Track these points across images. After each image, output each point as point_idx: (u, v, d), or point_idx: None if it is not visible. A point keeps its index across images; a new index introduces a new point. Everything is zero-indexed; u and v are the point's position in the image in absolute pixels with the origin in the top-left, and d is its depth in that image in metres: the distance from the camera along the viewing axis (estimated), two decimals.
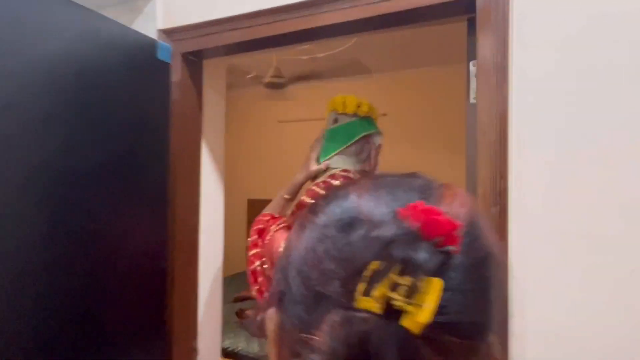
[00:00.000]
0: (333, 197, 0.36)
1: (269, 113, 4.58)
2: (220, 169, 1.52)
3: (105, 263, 1.11)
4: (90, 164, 1.05)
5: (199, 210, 1.37)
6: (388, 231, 0.30)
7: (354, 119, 1.28)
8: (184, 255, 1.29)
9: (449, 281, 0.29)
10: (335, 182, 1.19)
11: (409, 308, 0.27)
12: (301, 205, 1.21)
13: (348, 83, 4.20)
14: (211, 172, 1.47)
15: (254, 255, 1.17)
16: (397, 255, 0.29)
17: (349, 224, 0.32)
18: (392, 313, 0.27)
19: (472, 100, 1.03)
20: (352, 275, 0.29)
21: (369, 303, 0.28)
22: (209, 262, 1.41)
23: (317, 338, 0.29)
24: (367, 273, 0.28)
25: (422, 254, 0.29)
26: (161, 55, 1.23)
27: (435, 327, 0.27)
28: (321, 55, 3.57)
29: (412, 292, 0.27)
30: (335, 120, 1.29)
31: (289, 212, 1.29)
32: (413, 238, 0.29)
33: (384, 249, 0.29)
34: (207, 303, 1.41)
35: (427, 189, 0.36)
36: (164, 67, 1.24)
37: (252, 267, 1.16)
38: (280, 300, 0.34)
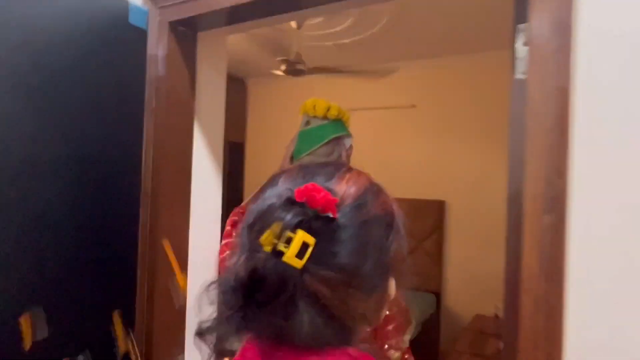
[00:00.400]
0: (270, 179, 0.53)
1: (294, 104, 4.38)
2: (217, 161, 1.32)
3: (66, 264, 0.95)
4: (43, 154, 0.88)
5: (189, 211, 1.18)
6: (280, 203, 0.47)
7: (325, 121, 1.35)
8: (168, 261, 1.11)
9: (330, 234, 0.47)
10: None
11: (284, 249, 0.44)
12: None
13: (376, 74, 3.95)
14: (206, 167, 1.27)
15: (225, 244, 1.25)
16: (280, 217, 0.46)
17: (268, 196, 0.50)
18: (277, 253, 0.44)
19: (519, 76, 0.79)
20: (258, 230, 0.47)
21: (264, 247, 0.45)
22: (200, 267, 1.23)
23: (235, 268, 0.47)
24: (265, 229, 0.45)
25: (293, 217, 0.45)
26: (134, 20, 1.03)
27: (312, 262, 0.45)
28: (347, 40, 3.34)
29: (287, 240, 0.44)
30: (307, 123, 1.37)
31: None
32: (291, 207, 0.46)
33: (276, 213, 0.47)
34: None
35: (332, 174, 0.51)
36: (139, 35, 1.05)
37: (222, 255, 1.23)
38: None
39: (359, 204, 0.49)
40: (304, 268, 0.44)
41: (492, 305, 3.35)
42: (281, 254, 0.44)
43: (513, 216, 0.78)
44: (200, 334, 0.50)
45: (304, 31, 2.99)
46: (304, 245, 0.44)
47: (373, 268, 0.49)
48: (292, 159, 1.37)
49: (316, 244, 0.45)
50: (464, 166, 3.61)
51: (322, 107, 1.33)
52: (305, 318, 0.46)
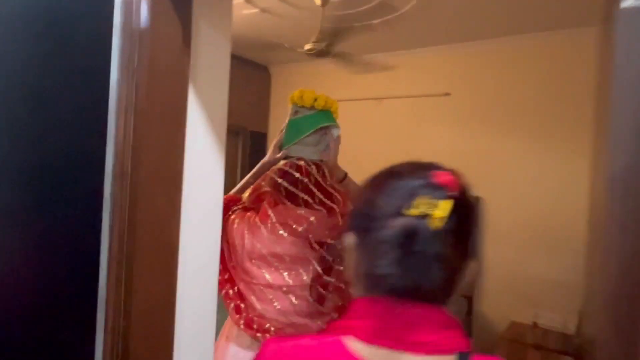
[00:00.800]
0: (388, 172, 0.66)
1: (317, 91, 4.15)
2: (220, 143, 1.09)
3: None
4: None
5: (179, 209, 0.95)
6: (424, 183, 0.58)
7: (312, 111, 1.38)
8: (150, 271, 0.91)
9: (462, 210, 0.57)
10: (286, 169, 1.31)
11: (433, 213, 0.54)
12: (256, 189, 1.36)
13: (404, 57, 3.68)
14: (203, 150, 1.05)
15: (236, 216, 1.31)
16: (426, 193, 0.56)
17: (405, 181, 0.60)
18: (424, 217, 0.54)
19: (629, 2, 0.54)
20: (402, 200, 0.57)
21: (413, 211, 0.55)
22: (190, 269, 1.02)
23: (387, 229, 0.56)
24: (410, 201, 0.56)
25: (437, 193, 0.56)
26: None
27: (449, 228, 0.55)
28: (375, 21, 3.09)
29: (433, 208, 0.54)
30: (296, 113, 1.39)
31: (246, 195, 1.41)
32: (434, 187, 0.57)
33: (421, 190, 0.57)
34: (192, 336, 1.02)
35: (441, 166, 0.63)
36: None
37: (233, 225, 1.28)
38: (356, 225, 0.63)
39: (466, 189, 0.61)
40: (443, 231, 0.54)
41: (531, 312, 3.06)
42: (427, 217, 0.54)
43: (622, 212, 0.54)
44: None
45: (328, 10, 2.76)
46: (446, 214, 0.55)
47: (479, 245, 0.61)
48: (280, 148, 1.40)
49: (453, 215, 0.55)
50: (502, 161, 3.30)
51: (309, 97, 1.35)
52: (436, 275, 0.56)
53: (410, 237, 0.54)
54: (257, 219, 1.26)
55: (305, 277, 1.19)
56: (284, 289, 1.20)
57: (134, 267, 0.88)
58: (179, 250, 0.97)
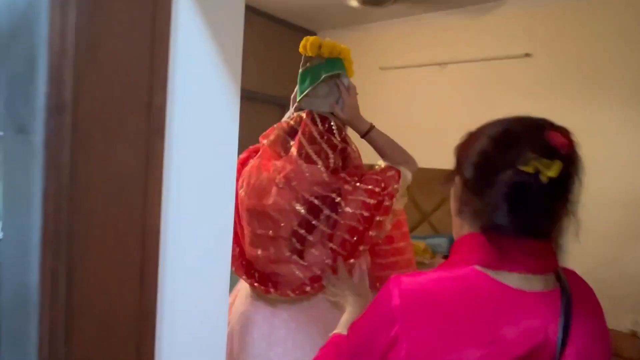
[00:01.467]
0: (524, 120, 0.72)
1: (368, 59, 3.70)
2: (233, 77, 0.74)
3: None
4: None
5: (160, 168, 0.60)
6: (536, 141, 0.65)
7: (320, 61, 1.30)
8: (109, 267, 0.56)
9: (571, 168, 0.65)
10: (292, 123, 1.29)
11: (543, 169, 0.61)
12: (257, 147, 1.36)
13: (473, 14, 3.14)
14: (204, 81, 0.70)
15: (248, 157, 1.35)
16: (541, 152, 0.62)
17: (515, 139, 0.68)
18: (537, 172, 0.61)
19: None
20: (522, 156, 0.63)
21: (527, 168, 0.61)
22: (177, 253, 0.67)
23: (501, 182, 0.64)
24: (527, 157, 0.62)
25: (552, 152, 0.62)
26: None
27: (559, 183, 0.63)
28: None
29: (547, 166, 0.61)
30: (305, 63, 1.33)
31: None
32: (548, 146, 0.63)
33: (537, 148, 0.63)
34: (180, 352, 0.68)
35: (554, 125, 0.69)
36: None
37: (245, 167, 1.31)
38: (468, 172, 0.70)
39: (576, 146, 0.69)
40: (551, 186, 0.62)
41: (628, 319, 2.54)
42: (539, 174, 0.62)
43: None
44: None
45: None
46: (556, 173, 0.62)
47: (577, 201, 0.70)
48: (294, 100, 1.36)
49: (561, 173, 0.62)
50: (592, 135, 2.72)
51: (313, 45, 1.27)
52: (542, 224, 0.67)
53: (521, 190, 0.63)
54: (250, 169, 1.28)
55: (283, 228, 1.17)
56: (269, 236, 1.20)
57: (82, 259, 0.54)
58: (160, 234, 0.62)
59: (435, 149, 3.19)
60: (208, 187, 0.70)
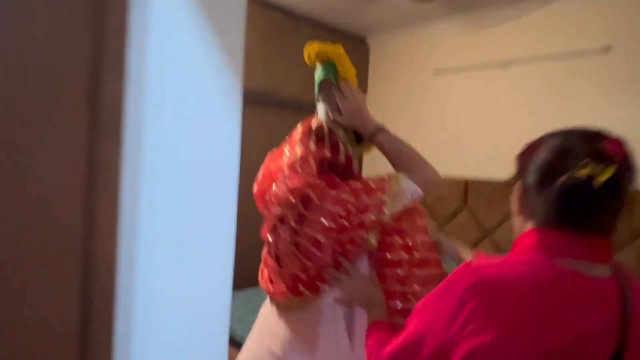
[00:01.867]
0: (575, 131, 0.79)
1: (422, 61, 3.44)
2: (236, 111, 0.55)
3: None
4: None
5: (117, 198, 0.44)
6: (591, 150, 0.72)
7: (319, 67, 1.27)
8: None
9: (623, 174, 0.70)
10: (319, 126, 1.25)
11: (597, 174, 0.68)
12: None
13: (540, 4, 2.80)
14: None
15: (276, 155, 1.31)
16: (596, 159, 0.69)
17: (572, 145, 0.76)
18: (591, 178, 0.68)
19: None
20: (578, 163, 0.70)
21: (582, 173, 0.68)
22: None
23: (557, 185, 0.72)
24: (582, 162, 0.70)
25: (606, 159, 0.69)
26: None
27: (610, 189, 0.69)
28: None
29: (599, 171, 0.68)
30: (315, 71, 1.30)
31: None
32: (602, 154, 0.70)
33: (593, 156, 0.70)
34: None
35: (609, 135, 0.75)
36: None
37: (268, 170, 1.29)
38: (530, 176, 0.77)
39: (630, 154, 0.74)
40: (605, 190, 0.69)
41: None
42: (593, 179, 0.68)
43: None
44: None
45: None
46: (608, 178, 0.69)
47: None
48: None
49: (614, 179, 0.69)
50: None
51: (305, 53, 1.24)
52: (596, 223, 0.73)
53: (576, 193, 0.70)
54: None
55: (268, 234, 1.16)
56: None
57: None
58: (115, 290, 0.43)
59: (496, 159, 2.86)
60: (195, 212, 0.52)
